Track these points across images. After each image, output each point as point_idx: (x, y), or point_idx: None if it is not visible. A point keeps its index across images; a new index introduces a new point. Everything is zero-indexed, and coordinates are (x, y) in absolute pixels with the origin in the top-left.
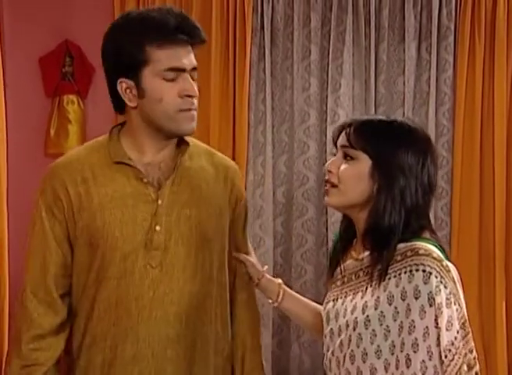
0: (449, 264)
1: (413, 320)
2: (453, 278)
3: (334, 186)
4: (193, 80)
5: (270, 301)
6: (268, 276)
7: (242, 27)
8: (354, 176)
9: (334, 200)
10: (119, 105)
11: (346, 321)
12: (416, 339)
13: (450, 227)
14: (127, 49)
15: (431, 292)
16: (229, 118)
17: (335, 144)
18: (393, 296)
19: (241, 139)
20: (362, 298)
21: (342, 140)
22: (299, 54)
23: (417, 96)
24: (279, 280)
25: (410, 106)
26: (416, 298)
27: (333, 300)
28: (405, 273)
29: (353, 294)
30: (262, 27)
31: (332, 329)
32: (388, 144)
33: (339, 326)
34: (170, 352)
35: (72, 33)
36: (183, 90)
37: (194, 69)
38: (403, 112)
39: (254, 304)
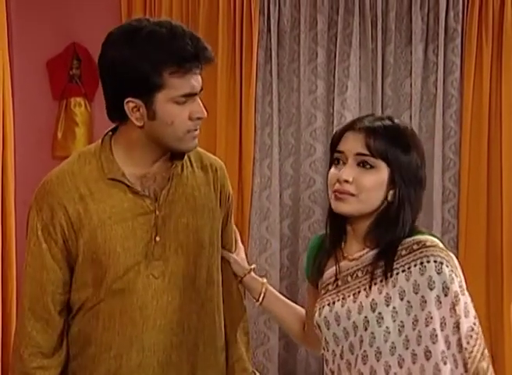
0: (451, 253)
1: (429, 312)
2: (457, 267)
3: (351, 195)
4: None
5: (254, 300)
6: (254, 274)
7: (249, 30)
8: (376, 185)
9: (351, 208)
10: (118, 118)
11: (353, 322)
12: (434, 330)
13: (457, 230)
14: (143, 72)
15: (445, 282)
16: (235, 120)
17: (334, 148)
18: (404, 291)
19: (248, 141)
20: (367, 296)
21: (357, 147)
22: (305, 56)
23: (424, 98)
24: (264, 280)
25: (417, 108)
26: (431, 289)
27: (328, 304)
28: (415, 265)
29: (354, 294)
30: (269, 30)
31: (335, 333)
32: (403, 150)
33: (344, 328)
34: (174, 358)
35: (79, 36)
36: (193, 113)
37: (202, 88)
38: (410, 115)
39: (236, 301)
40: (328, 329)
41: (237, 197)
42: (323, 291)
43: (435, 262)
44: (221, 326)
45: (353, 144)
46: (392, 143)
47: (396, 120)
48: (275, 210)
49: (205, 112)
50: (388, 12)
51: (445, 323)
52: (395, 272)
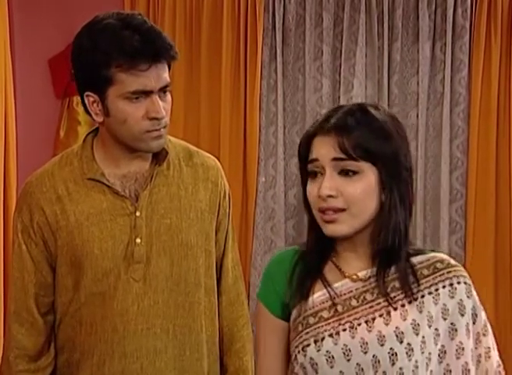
0: None
1: (461, 342)
2: None
3: (340, 211)
4: (164, 96)
5: None
6: None
7: (253, 27)
8: (365, 193)
9: (346, 228)
10: (88, 113)
11: (374, 356)
12: (466, 363)
13: (465, 230)
14: (95, 64)
15: (474, 307)
16: (239, 119)
17: (305, 158)
18: (432, 316)
19: (252, 140)
20: (387, 324)
21: (331, 151)
22: (311, 54)
23: (431, 97)
24: None
25: (424, 107)
26: (462, 315)
27: (330, 335)
28: (443, 287)
29: (367, 322)
30: (274, 27)
31: (342, 371)
32: (384, 140)
33: (358, 364)
34: (158, 364)
35: None
36: (148, 112)
37: (165, 86)
38: (417, 113)
39: (239, 306)
40: (331, 367)
41: (242, 197)
42: (312, 320)
43: (465, 283)
44: (213, 332)
45: (325, 150)
46: (370, 136)
47: (368, 108)
48: (280, 210)
49: (162, 112)
50: (394, 9)
51: (472, 356)
52: (419, 294)
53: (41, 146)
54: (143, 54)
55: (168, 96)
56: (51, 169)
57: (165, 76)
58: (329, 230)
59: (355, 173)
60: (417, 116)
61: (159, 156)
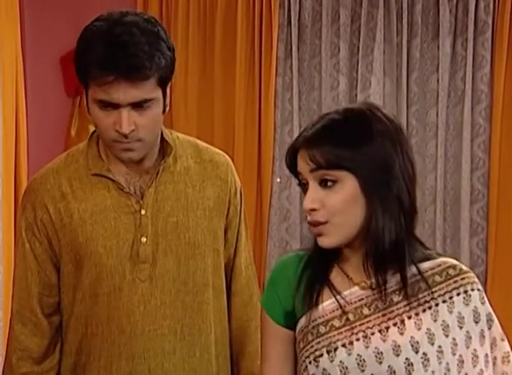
0: None
1: (475, 349)
2: None
3: (325, 223)
4: (143, 110)
5: None
6: None
7: (268, 23)
8: (346, 202)
9: (331, 239)
10: None
11: (389, 367)
12: (482, 371)
13: (487, 232)
14: (80, 64)
15: (489, 313)
16: (254, 117)
17: (292, 172)
18: (448, 325)
19: (267, 139)
20: (402, 334)
21: (307, 164)
22: (327, 51)
23: (451, 94)
24: None
25: (444, 105)
26: (476, 323)
27: (343, 345)
28: (458, 294)
29: (380, 331)
30: (289, 23)
31: None
32: (363, 146)
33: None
34: (167, 365)
35: None
36: (115, 124)
37: (139, 102)
38: (437, 112)
39: (252, 308)
40: None
41: (256, 197)
42: (323, 329)
43: (478, 290)
44: (222, 333)
45: (304, 163)
46: (339, 147)
47: (346, 111)
48: (295, 211)
49: (125, 128)
50: (414, 4)
51: (488, 362)
52: (433, 302)
53: (52, 144)
54: (106, 68)
55: (151, 111)
56: (57, 167)
57: (139, 92)
58: (320, 242)
59: (334, 182)
60: (437, 114)
61: (164, 152)
